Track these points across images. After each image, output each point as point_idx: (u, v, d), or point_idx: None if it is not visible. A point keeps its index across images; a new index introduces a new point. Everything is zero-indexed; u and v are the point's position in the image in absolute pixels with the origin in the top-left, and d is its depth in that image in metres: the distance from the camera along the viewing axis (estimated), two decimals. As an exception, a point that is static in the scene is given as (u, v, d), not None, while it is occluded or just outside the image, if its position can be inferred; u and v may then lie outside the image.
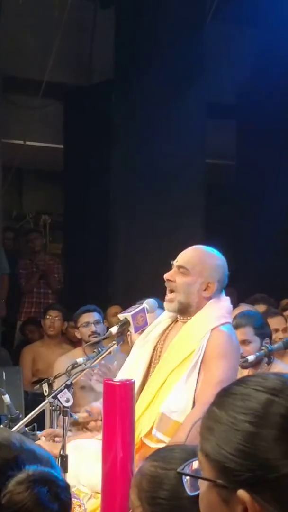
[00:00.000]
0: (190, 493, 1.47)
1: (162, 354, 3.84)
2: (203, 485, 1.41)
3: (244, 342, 4.83)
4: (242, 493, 1.33)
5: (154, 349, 3.88)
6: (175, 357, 3.73)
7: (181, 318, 3.88)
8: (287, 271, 9.26)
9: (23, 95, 10.21)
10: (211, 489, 1.38)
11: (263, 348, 4.73)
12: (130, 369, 3.86)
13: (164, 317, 3.97)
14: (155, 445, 3.44)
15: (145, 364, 3.86)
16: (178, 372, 3.68)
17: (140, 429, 3.60)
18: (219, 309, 3.83)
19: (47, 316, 7.88)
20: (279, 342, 4.87)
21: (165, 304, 3.86)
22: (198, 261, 3.83)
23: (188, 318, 3.84)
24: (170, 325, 3.93)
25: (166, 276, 3.83)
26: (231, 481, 1.34)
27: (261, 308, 6.40)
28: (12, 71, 9.77)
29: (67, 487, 1.51)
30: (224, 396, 1.41)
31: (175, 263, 3.85)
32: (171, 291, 3.83)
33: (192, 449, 2.19)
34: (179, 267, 3.82)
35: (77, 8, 9.53)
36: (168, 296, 3.84)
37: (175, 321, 3.93)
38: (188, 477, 1.48)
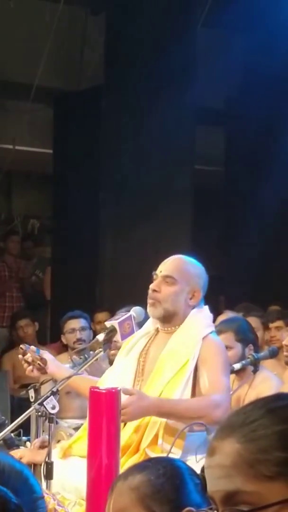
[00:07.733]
0: None
1: (146, 366, 3.83)
2: None
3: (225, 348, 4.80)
4: None
5: (137, 363, 3.86)
6: (169, 368, 3.71)
7: (164, 328, 3.86)
8: (275, 278, 9.28)
9: (13, 99, 10.22)
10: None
11: (249, 356, 4.71)
12: (116, 382, 3.80)
13: (147, 329, 3.95)
14: (159, 455, 3.45)
15: (131, 379, 3.83)
16: (174, 382, 3.66)
17: (137, 439, 3.59)
18: (204, 318, 3.87)
19: (19, 327, 7.83)
20: (265, 350, 4.86)
21: (149, 309, 3.84)
22: (183, 270, 3.84)
23: (172, 328, 3.83)
24: (150, 338, 3.91)
25: (153, 286, 3.81)
26: None
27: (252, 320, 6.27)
28: (2, 75, 9.77)
29: (17, 509, 1.31)
30: None
31: (160, 273, 3.85)
32: (153, 302, 3.82)
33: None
34: (166, 277, 3.81)
35: (68, 14, 9.55)
36: (150, 301, 3.82)
37: (155, 332, 3.92)
38: None
